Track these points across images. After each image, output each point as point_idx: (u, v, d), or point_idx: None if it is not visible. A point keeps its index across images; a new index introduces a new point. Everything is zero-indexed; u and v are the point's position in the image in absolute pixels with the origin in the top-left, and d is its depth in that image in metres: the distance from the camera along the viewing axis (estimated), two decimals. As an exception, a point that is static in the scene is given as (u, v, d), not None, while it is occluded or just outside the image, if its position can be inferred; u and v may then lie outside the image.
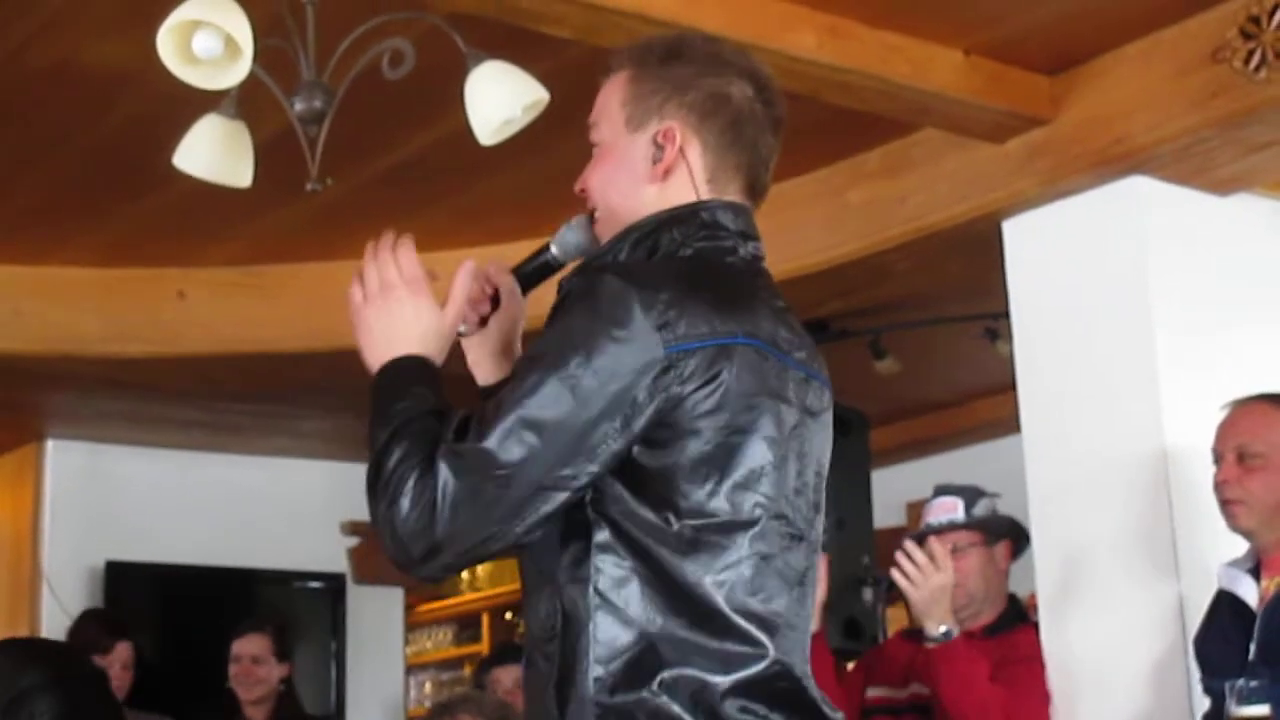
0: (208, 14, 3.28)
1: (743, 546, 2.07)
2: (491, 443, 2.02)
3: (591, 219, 2.36)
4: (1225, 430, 3.75)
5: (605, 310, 2.05)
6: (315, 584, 8.44)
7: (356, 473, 8.57)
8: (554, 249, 2.42)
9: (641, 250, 2.19)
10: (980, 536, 4.30)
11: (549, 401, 2.02)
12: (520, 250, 5.98)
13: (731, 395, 2.06)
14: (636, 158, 2.26)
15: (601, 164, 2.33)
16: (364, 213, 5.43)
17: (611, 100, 2.32)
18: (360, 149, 4.72)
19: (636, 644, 2.02)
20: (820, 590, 3.49)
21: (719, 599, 2.04)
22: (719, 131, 2.24)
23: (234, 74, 3.36)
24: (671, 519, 2.04)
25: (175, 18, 3.29)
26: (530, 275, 2.44)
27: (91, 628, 5.92)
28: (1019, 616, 4.36)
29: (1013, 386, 4.92)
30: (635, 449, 2.04)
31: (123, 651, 5.77)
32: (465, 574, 11.22)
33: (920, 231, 5.04)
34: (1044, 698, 4.27)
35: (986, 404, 7.55)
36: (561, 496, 2.03)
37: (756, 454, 2.09)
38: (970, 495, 4.40)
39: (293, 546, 8.19)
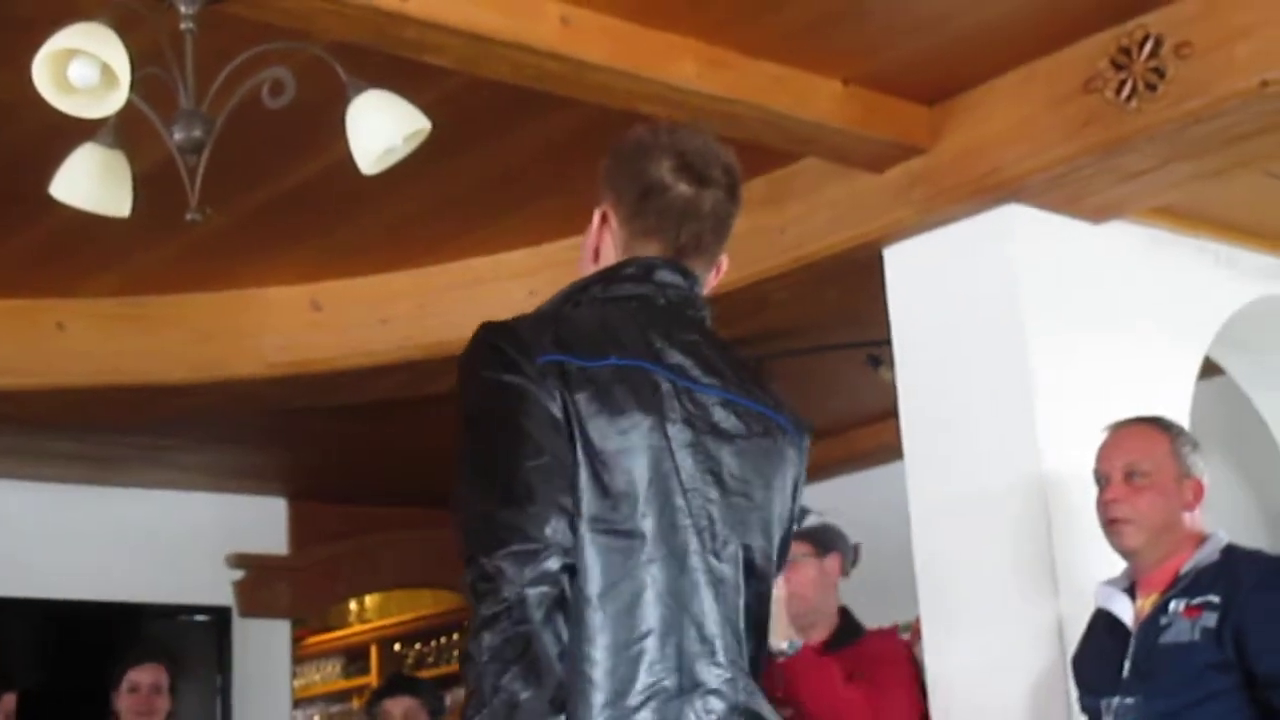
0: (83, 42, 3.25)
1: None
2: None
3: None
4: (1111, 451, 3.81)
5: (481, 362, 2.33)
6: (201, 617, 8.36)
7: (241, 504, 8.53)
8: None
9: (568, 305, 2.45)
10: (810, 547, 4.30)
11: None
12: (411, 278, 5.97)
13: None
14: (588, 239, 2.58)
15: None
16: (246, 243, 5.42)
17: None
18: (242, 178, 4.70)
19: None
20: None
21: None
22: (630, 204, 2.51)
23: (111, 103, 3.33)
24: None
25: (50, 46, 3.26)
26: None
27: None
28: (855, 629, 4.34)
29: (894, 413, 4.97)
30: None
31: (7, 703, 5.64)
32: (353, 605, 11.15)
33: (800, 260, 5.08)
34: (910, 691, 4.25)
35: (867, 431, 7.62)
36: None
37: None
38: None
39: (178, 580, 8.11)
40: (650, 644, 2.25)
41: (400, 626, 10.97)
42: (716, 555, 2.34)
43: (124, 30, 3.37)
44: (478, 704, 2.10)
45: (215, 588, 8.30)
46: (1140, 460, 3.76)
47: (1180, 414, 4.82)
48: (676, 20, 4.09)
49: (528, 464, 2.21)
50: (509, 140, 4.78)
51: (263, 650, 8.53)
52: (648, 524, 2.28)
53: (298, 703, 9.60)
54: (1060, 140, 4.45)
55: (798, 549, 4.26)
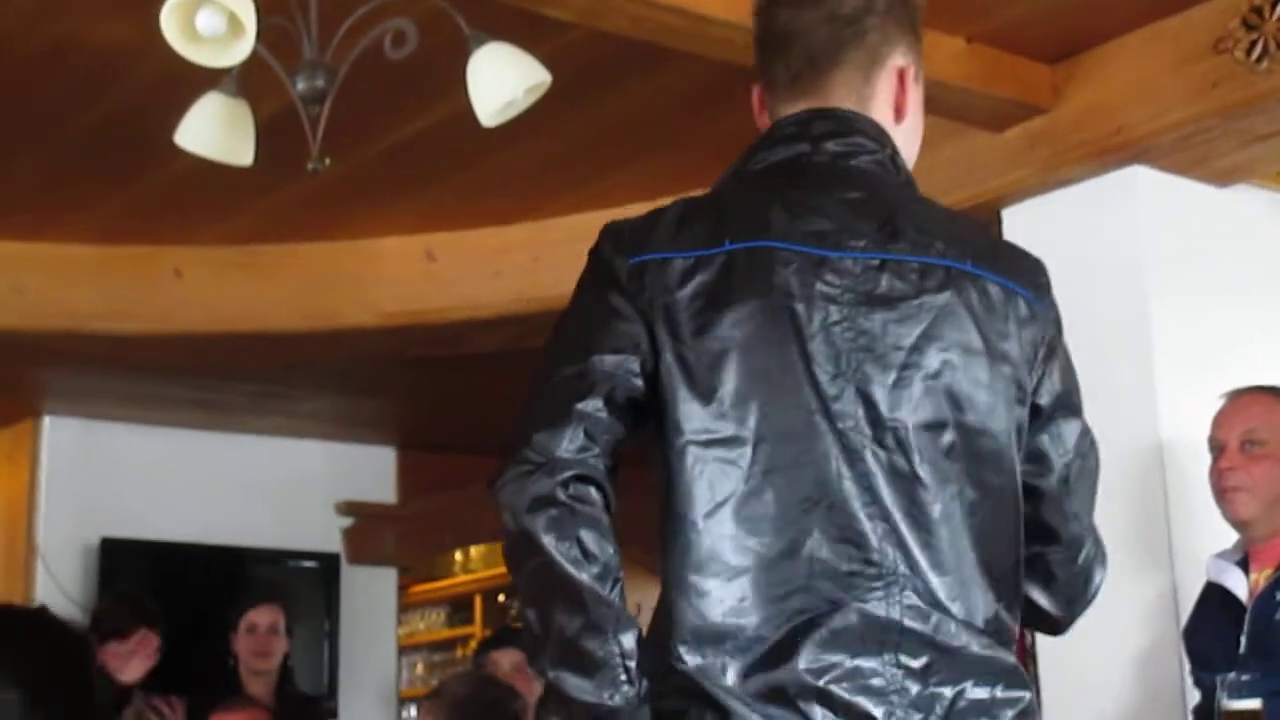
0: (211, -8, 3.28)
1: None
2: None
3: None
4: (1228, 419, 3.76)
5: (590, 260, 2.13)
6: (309, 564, 8.45)
7: (352, 453, 8.63)
8: None
9: (727, 183, 2.21)
10: None
11: None
12: (524, 231, 6.00)
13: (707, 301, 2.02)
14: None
15: None
16: (364, 193, 5.44)
17: None
18: (361, 129, 4.72)
19: None
20: None
21: None
22: (760, 62, 2.25)
23: (237, 52, 3.35)
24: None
25: (178, -5, 3.29)
26: None
27: (122, 609, 5.83)
28: None
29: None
30: None
31: (145, 639, 5.64)
32: (459, 555, 11.23)
33: (919, 219, 5.03)
34: None
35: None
36: None
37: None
38: None
39: (287, 526, 8.20)
40: (784, 567, 1.93)
41: (505, 578, 10.98)
42: (880, 444, 1.97)
43: (248, -22, 3.40)
44: (533, 646, 1.96)
45: (324, 534, 8.40)
46: (1258, 428, 3.70)
47: (1304, 381, 4.74)
48: (800, -25, 4.05)
49: (563, 372, 2.00)
50: (627, 94, 4.77)
51: (369, 597, 8.62)
52: (766, 427, 1.96)
53: (402, 650, 9.69)
54: (1187, 101, 4.37)
55: None
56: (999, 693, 1.95)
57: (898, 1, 2.24)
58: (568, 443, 1.95)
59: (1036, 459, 2.13)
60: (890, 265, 2.04)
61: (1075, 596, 2.21)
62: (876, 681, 1.91)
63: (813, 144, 2.14)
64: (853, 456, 1.96)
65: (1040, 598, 2.18)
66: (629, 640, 1.89)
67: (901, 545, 1.95)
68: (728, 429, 1.96)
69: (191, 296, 5.96)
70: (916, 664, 1.93)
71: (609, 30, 4.06)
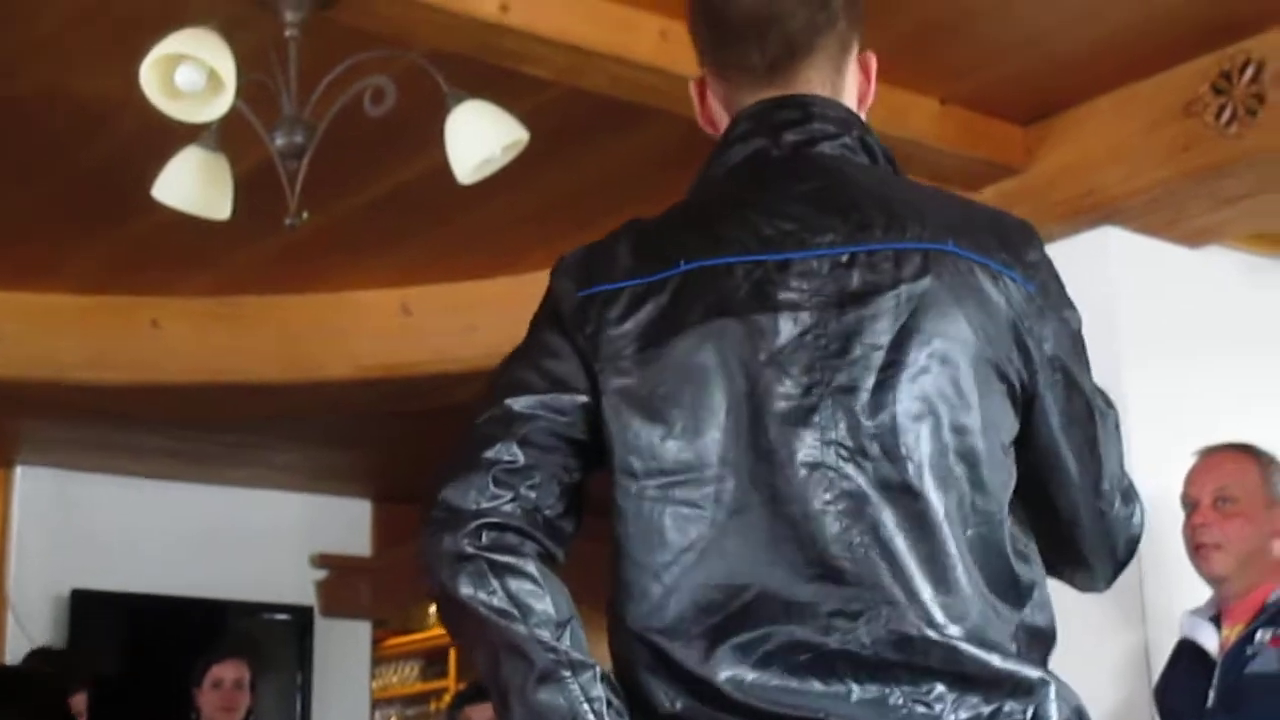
0: (191, 48, 3.30)
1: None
2: None
3: None
4: (1201, 475, 3.78)
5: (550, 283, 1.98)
6: (283, 616, 8.42)
7: (327, 505, 8.59)
8: None
9: (693, 192, 2.04)
10: None
11: None
12: (500, 286, 6.01)
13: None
14: (697, 110, 2.12)
15: None
16: (341, 246, 5.46)
17: None
18: (339, 183, 4.74)
19: None
20: None
21: None
22: (708, 48, 2.04)
23: (216, 108, 3.38)
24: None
25: (159, 51, 3.31)
26: None
27: (41, 664, 5.80)
28: None
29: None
30: None
31: (78, 701, 5.62)
32: (434, 608, 11.18)
33: (894, 276, 5.06)
34: None
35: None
36: None
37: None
38: None
39: (261, 578, 8.17)
40: (757, 614, 1.76)
41: (480, 630, 10.97)
42: (865, 455, 1.78)
43: (229, 35, 3.42)
44: (499, 712, 1.80)
45: (298, 587, 8.37)
46: (1230, 485, 3.73)
47: (1274, 441, 4.76)
48: (775, 36, 4.09)
49: (476, 420, 1.87)
50: (604, 151, 4.80)
51: (343, 650, 8.59)
52: (730, 462, 1.79)
53: (376, 704, 9.65)
54: (1159, 163, 4.42)
55: None
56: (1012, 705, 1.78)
57: None
58: (475, 494, 1.81)
59: (1031, 438, 1.94)
60: (860, 258, 1.85)
61: (1102, 567, 2.11)
62: None
63: (771, 137, 1.96)
64: (831, 478, 1.78)
65: (1068, 577, 2.08)
66: (591, 684, 1.74)
67: (891, 568, 1.76)
68: (686, 470, 1.80)
69: (169, 347, 5.97)
70: (920, 693, 1.75)
71: (587, 88, 4.09)
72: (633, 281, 1.88)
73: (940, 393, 1.82)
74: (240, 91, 3.41)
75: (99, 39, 4.03)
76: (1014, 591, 1.84)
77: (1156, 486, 4.36)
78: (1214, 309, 4.87)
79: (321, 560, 8.46)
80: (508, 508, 1.81)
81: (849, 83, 2.04)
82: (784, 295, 1.83)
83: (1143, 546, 4.54)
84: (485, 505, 1.81)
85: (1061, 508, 1.98)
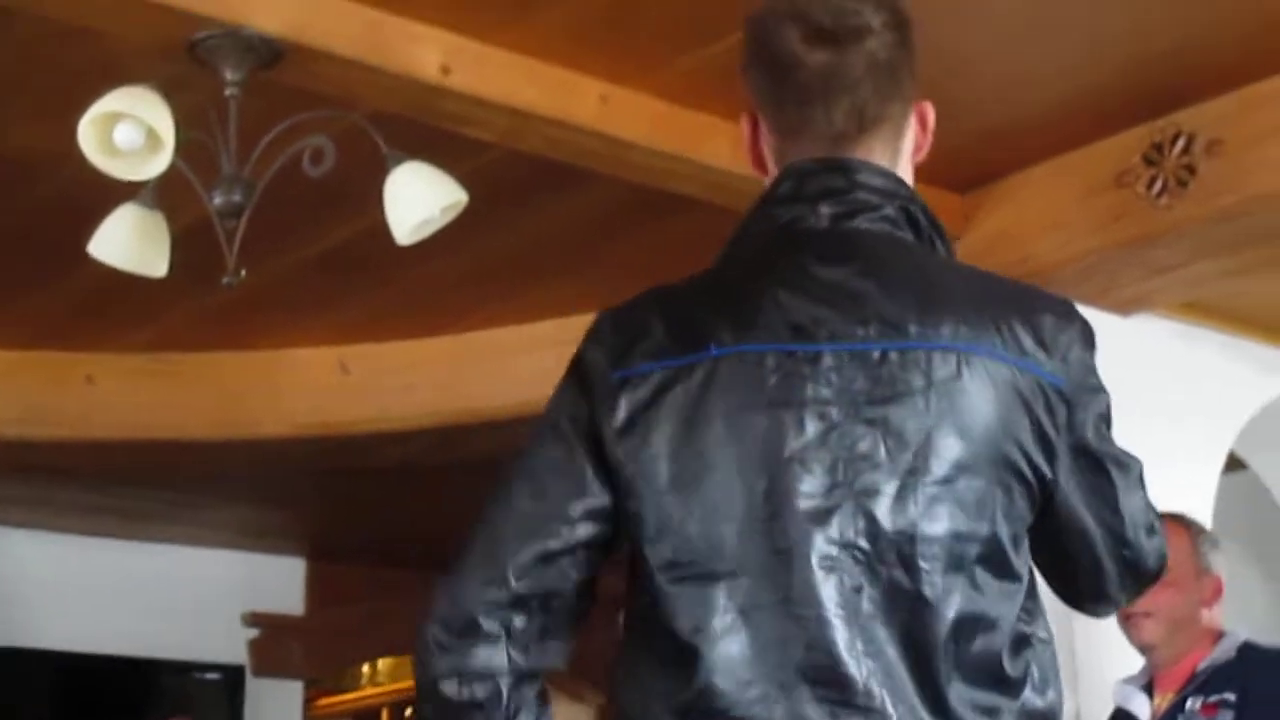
0: (130, 106, 3.29)
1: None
2: None
3: None
4: None
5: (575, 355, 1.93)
6: (214, 675, 8.34)
7: (259, 563, 8.53)
8: None
9: (729, 249, 1.99)
10: None
11: None
12: (439, 345, 6.02)
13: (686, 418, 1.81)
14: (745, 147, 2.07)
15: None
16: (279, 303, 5.45)
17: None
18: (278, 241, 4.73)
19: None
20: None
21: None
22: (769, 100, 1.98)
23: (154, 166, 3.38)
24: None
25: (97, 109, 3.31)
26: None
27: None
28: None
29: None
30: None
31: None
32: (366, 668, 11.11)
33: (830, 343, 5.09)
34: None
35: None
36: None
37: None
38: None
39: (192, 637, 8.09)
40: (756, 709, 1.74)
41: (411, 691, 10.87)
42: (880, 560, 1.75)
43: (169, 93, 3.42)
44: None
45: (230, 646, 8.30)
46: None
47: (1204, 508, 4.81)
48: (713, 101, 4.12)
49: (497, 512, 1.88)
50: (543, 213, 4.82)
51: (275, 710, 8.51)
52: (744, 560, 1.77)
53: (307, 763, 9.57)
54: (1091, 233, 4.47)
55: None
56: None
57: (907, 26, 2.01)
58: (493, 593, 1.83)
59: (1052, 514, 1.91)
60: (892, 356, 1.81)
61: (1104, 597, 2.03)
62: None
63: (810, 205, 1.91)
64: (845, 582, 1.75)
65: (1088, 609, 2.07)
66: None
67: (891, 681, 1.74)
68: (700, 563, 1.78)
69: (103, 403, 5.92)
70: None
71: (528, 151, 4.11)
72: (663, 364, 1.83)
73: (961, 503, 1.79)
74: (179, 150, 3.41)
75: (36, 95, 4.02)
76: (1008, 684, 1.81)
77: (1088, 553, 4.40)
78: (1145, 377, 4.91)
79: (254, 619, 8.40)
80: (505, 619, 1.84)
81: (908, 139, 2.03)
82: (812, 390, 1.80)
83: (1076, 617, 4.59)
84: (498, 606, 1.84)
85: (1084, 561, 1.96)
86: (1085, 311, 4.89)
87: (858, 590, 1.75)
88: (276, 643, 8.51)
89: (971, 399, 1.81)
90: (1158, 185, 4.29)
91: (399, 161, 3.68)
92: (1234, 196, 4.19)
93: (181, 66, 3.53)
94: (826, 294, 1.84)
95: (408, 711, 10.94)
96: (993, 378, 1.83)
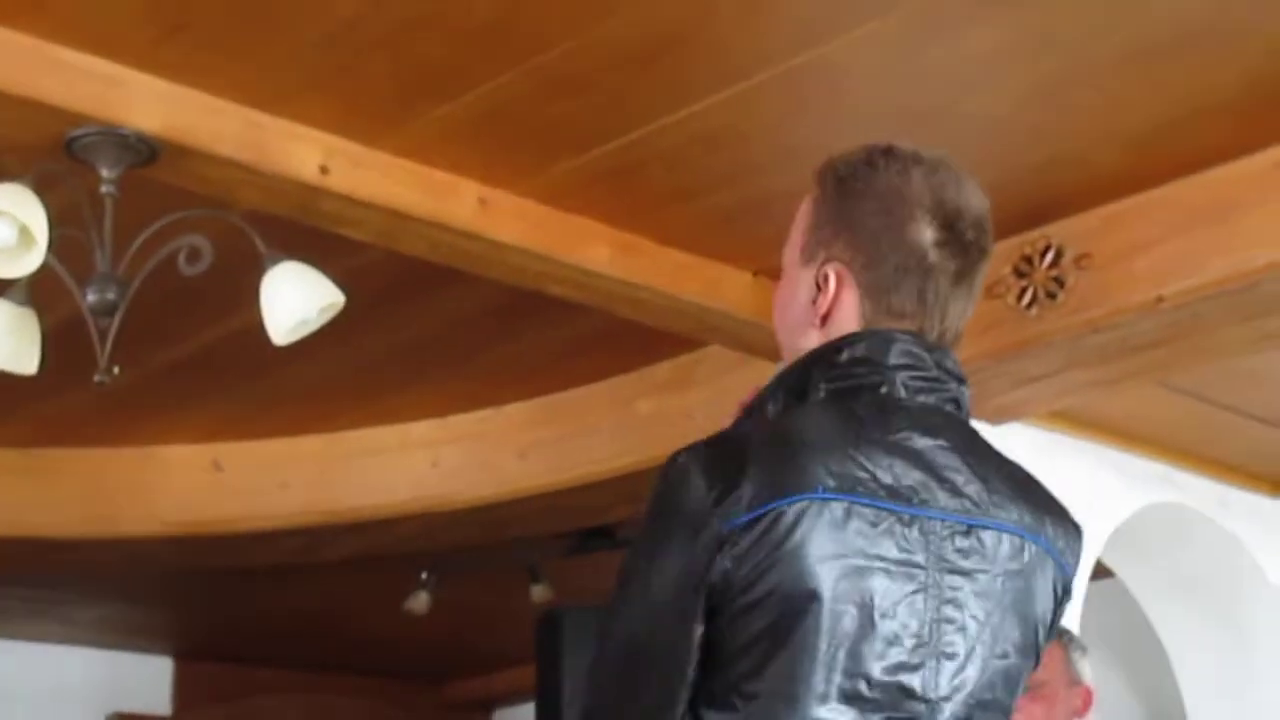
0: (3, 203, 3.27)
1: None
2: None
3: None
4: None
5: (664, 499, 1.92)
6: (76, 777, 8.17)
7: (126, 661, 8.39)
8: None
9: (792, 396, 2.01)
10: None
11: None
12: (313, 443, 5.97)
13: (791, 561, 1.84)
14: (802, 295, 2.08)
15: (779, 292, 2.17)
16: (151, 400, 5.40)
17: (799, 222, 2.16)
18: (151, 337, 4.70)
19: None
20: None
21: None
22: (881, 278, 2.03)
23: (27, 264, 3.35)
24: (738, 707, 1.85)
25: (-30, 205, 3.28)
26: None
27: None
28: None
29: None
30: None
31: None
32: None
33: (709, 445, 5.11)
34: None
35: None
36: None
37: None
38: None
39: (54, 737, 7.94)
40: None
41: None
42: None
43: (43, 189, 3.40)
44: None
45: (94, 747, 8.15)
46: (1038, 670, 3.79)
47: (1072, 614, 4.87)
48: (591, 205, 4.16)
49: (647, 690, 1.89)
50: (420, 312, 4.82)
51: (138, 813, 8.35)
52: (828, 709, 1.84)
53: None
54: (963, 342, 4.52)
55: None
56: None
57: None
58: None
59: None
60: (975, 531, 1.94)
61: None
62: None
63: (892, 373, 1.99)
64: None
65: None
66: None
67: None
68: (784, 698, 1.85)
69: (-33, 499, 5.82)
70: None
71: (405, 252, 4.12)
72: (775, 504, 1.85)
73: (1008, 678, 1.99)
74: (52, 246, 3.38)
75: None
76: None
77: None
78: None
79: (119, 719, 8.25)
80: None
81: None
82: (903, 551, 1.89)
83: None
84: None
85: None
86: (956, 419, 4.95)
87: None
88: (141, 744, 8.36)
89: (1025, 585, 1.98)
90: (1028, 296, 4.36)
91: (276, 261, 3.67)
92: (1102, 309, 4.27)
93: (57, 163, 3.51)
94: (920, 462, 1.93)
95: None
96: (1040, 567, 1.99)
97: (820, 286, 2.05)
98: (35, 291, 3.75)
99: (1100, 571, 5.49)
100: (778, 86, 3.61)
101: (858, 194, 2.07)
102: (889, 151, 2.09)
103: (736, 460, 1.88)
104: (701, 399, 5.14)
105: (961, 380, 2.06)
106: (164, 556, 6.18)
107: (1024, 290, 4.38)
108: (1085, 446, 5.30)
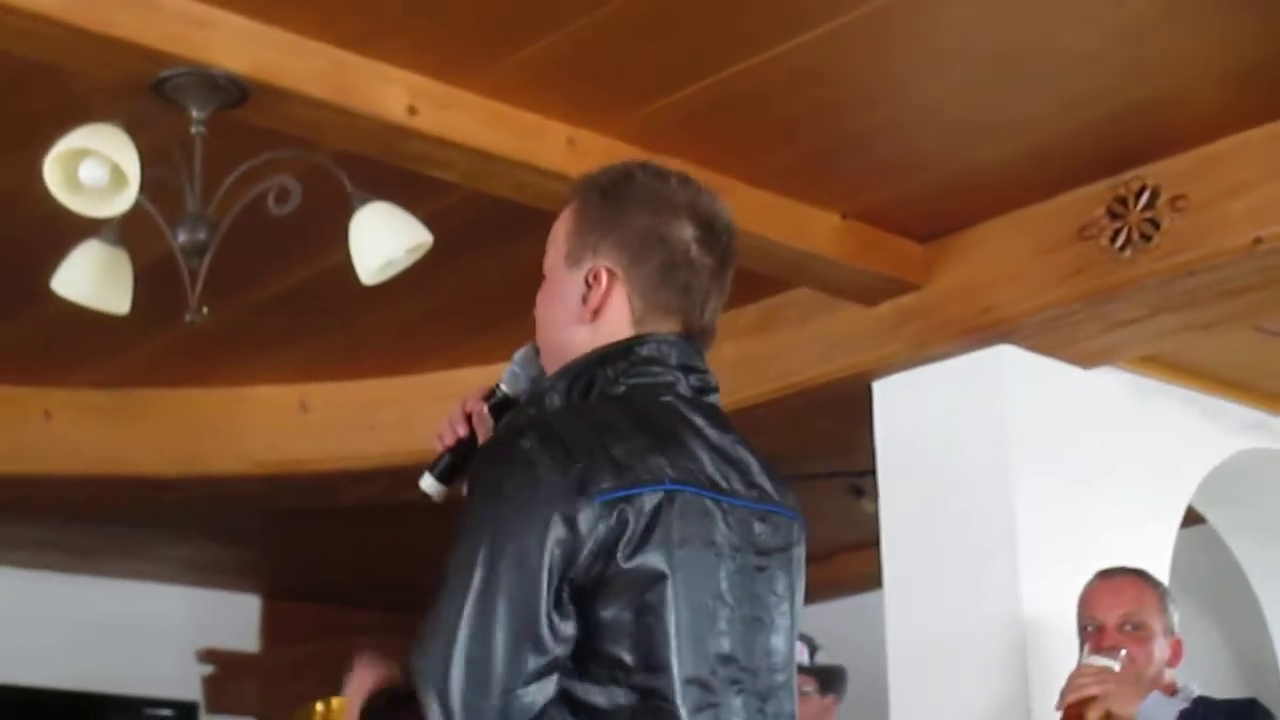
0: (95, 143, 3.28)
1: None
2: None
3: (536, 350, 2.32)
4: (1107, 599, 3.79)
5: (513, 481, 2.01)
6: (167, 712, 8.28)
7: (215, 600, 8.47)
8: (503, 385, 2.34)
9: (577, 390, 2.15)
10: (816, 684, 4.34)
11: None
12: (399, 385, 6.01)
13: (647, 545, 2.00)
14: (571, 295, 2.21)
15: (543, 296, 2.28)
16: (240, 341, 5.43)
17: (559, 231, 2.28)
18: (240, 278, 4.71)
19: None
20: None
21: None
22: (649, 273, 2.19)
23: (119, 203, 3.36)
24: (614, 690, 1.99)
25: (63, 145, 3.30)
26: (492, 412, 2.33)
27: None
28: None
29: (876, 543, 4.97)
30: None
31: None
32: (319, 706, 11.03)
33: (791, 388, 5.10)
34: None
35: (849, 559, 7.60)
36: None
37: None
38: (810, 642, 4.45)
39: (146, 673, 8.04)
40: None
41: (365, 730, 10.86)
42: (763, 699, 2.11)
43: (134, 131, 3.41)
44: None
45: (184, 682, 8.24)
46: (1136, 612, 3.75)
47: (1162, 561, 4.83)
48: (680, 147, 4.12)
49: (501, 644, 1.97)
50: (506, 255, 4.80)
51: (227, 748, 8.46)
52: (679, 679, 2.00)
53: (258, 803, 9.50)
54: (1052, 285, 4.48)
55: (805, 683, 4.30)
56: None
57: None
58: None
59: None
60: (769, 516, 2.18)
61: None
62: None
63: (679, 374, 2.18)
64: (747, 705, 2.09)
65: None
66: None
67: None
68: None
69: (61, 439, 5.88)
70: None
71: (492, 193, 4.11)
72: (632, 491, 2.01)
73: (795, 642, 2.21)
74: (143, 187, 3.39)
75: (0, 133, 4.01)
76: None
77: (1047, 607, 4.41)
78: (1105, 429, 4.93)
79: (208, 656, 8.35)
80: None
81: None
82: (727, 535, 2.10)
83: (1031, 664, 4.60)
84: None
85: None
86: (1047, 363, 4.93)
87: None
88: (231, 680, 8.45)
89: (802, 558, 2.24)
90: (1121, 238, 4.31)
91: (364, 202, 3.67)
92: (1196, 252, 4.22)
93: (147, 104, 3.52)
94: (720, 452, 2.14)
95: (360, 751, 10.86)
96: (803, 542, 2.26)
97: (590, 284, 2.19)
98: (125, 233, 3.77)
99: (1191, 518, 5.44)
100: (868, 25, 3.57)
101: (622, 197, 2.22)
102: (645, 165, 2.27)
103: (585, 445, 2.02)
104: (787, 342, 5.11)
105: (715, 384, 2.24)
106: (252, 496, 6.23)
107: (1117, 232, 4.32)
108: (1177, 391, 5.24)
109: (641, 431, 2.07)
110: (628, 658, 1.98)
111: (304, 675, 8.81)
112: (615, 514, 1.97)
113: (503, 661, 1.93)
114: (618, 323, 2.19)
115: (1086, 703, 3.50)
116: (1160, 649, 3.74)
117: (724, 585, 2.07)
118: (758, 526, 2.15)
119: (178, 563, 7.89)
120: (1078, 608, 3.83)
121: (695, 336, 2.22)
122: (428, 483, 2.37)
